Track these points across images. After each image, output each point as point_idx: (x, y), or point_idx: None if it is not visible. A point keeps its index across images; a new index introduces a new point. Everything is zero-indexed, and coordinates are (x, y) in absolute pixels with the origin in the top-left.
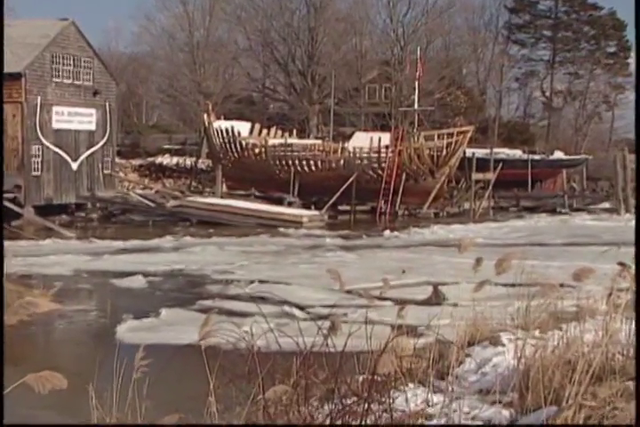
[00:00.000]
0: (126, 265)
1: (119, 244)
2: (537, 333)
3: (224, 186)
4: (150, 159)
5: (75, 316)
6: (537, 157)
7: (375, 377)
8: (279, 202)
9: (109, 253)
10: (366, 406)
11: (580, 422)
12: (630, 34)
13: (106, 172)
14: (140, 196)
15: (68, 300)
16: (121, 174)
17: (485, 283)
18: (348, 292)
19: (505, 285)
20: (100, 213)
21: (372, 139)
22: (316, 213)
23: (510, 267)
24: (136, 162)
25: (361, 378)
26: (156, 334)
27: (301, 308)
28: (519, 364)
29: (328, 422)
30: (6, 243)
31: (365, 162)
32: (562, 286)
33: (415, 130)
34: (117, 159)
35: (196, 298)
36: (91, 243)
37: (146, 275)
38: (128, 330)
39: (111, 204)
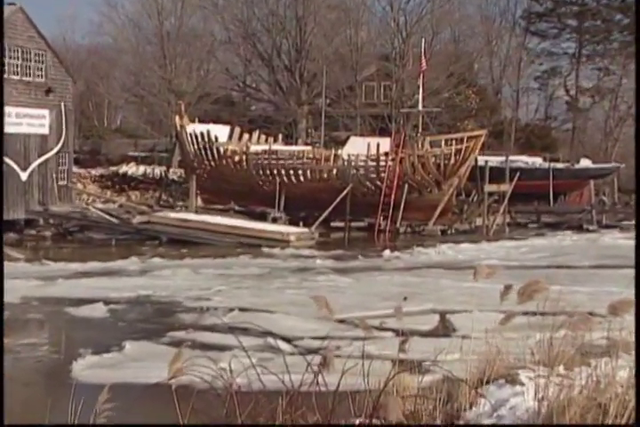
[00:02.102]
0: (84, 291)
1: (76, 266)
2: (562, 370)
3: (199, 199)
4: (113, 168)
5: (22, 351)
6: (560, 165)
7: (374, 421)
8: (262, 218)
9: (64, 278)
10: None
11: None
12: None
13: (61, 183)
14: (101, 210)
15: (14, 332)
16: (79, 186)
17: (513, 315)
18: (342, 321)
19: (524, 313)
20: (54, 230)
21: (369, 145)
22: (305, 230)
23: (536, 294)
24: (96, 171)
25: (357, 422)
26: (118, 371)
27: (288, 340)
28: (541, 406)
29: None
30: None
31: (362, 171)
32: (591, 314)
33: (419, 135)
34: (75, 168)
35: (165, 329)
36: (43, 265)
37: (107, 302)
38: (86, 367)
39: (67, 220)
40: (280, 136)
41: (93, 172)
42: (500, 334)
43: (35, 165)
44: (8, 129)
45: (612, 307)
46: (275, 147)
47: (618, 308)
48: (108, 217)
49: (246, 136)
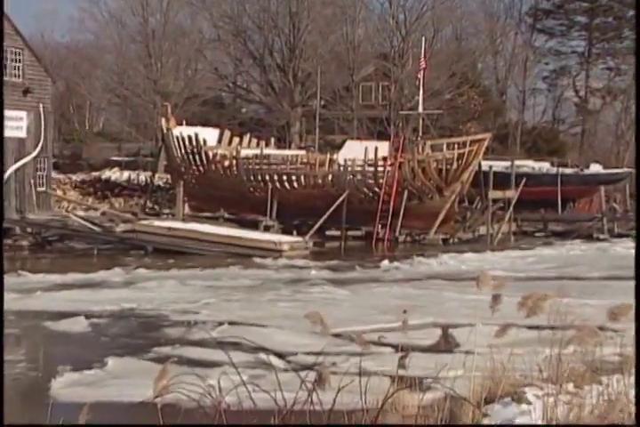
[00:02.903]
0: (64, 304)
1: (56, 278)
2: (571, 387)
3: (186, 207)
4: (95, 174)
5: None
6: (569, 170)
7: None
8: (254, 226)
9: (43, 290)
10: None
11: None
12: None
13: (40, 189)
14: (83, 219)
15: None
16: (59, 192)
17: (509, 327)
18: (338, 336)
19: (531, 327)
20: (33, 239)
21: (366, 149)
22: (299, 239)
23: (540, 307)
24: (77, 177)
25: None
26: (100, 389)
27: (281, 356)
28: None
29: None
30: None
31: (359, 177)
32: (601, 329)
33: (419, 138)
34: (54, 174)
35: (150, 344)
36: (20, 277)
37: (89, 316)
38: (65, 385)
39: (46, 228)
40: (272, 140)
41: (74, 177)
42: (505, 350)
43: (11, 170)
44: None
45: (612, 313)
46: (267, 151)
47: (618, 313)
48: (89, 225)
49: (236, 140)
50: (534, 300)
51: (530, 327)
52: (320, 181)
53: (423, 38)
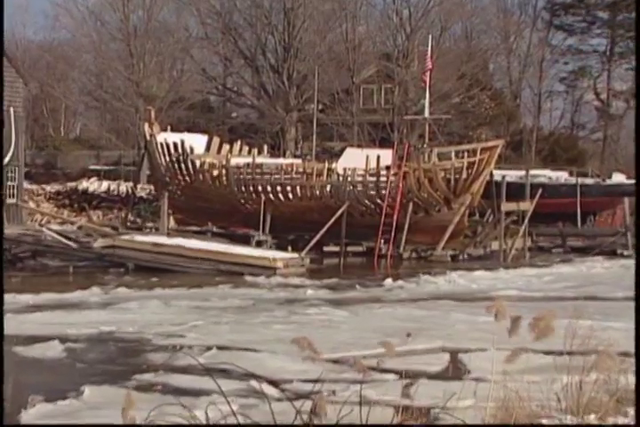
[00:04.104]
0: (37, 327)
1: (27, 298)
2: (593, 419)
3: (171, 220)
4: (71, 184)
5: None
6: (589, 180)
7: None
8: (245, 241)
9: (13, 312)
10: None
11: None
12: None
13: (10, 201)
14: (57, 233)
15: None
16: (31, 204)
17: (520, 351)
18: (337, 362)
19: (549, 353)
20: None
21: (367, 157)
22: (295, 255)
23: (551, 329)
24: (52, 188)
25: None
26: (76, 421)
27: (274, 383)
28: None
29: None
30: None
31: (360, 188)
32: (626, 355)
33: (425, 145)
34: (26, 184)
35: (131, 371)
36: None
37: (64, 340)
38: (37, 417)
39: (17, 244)
40: (265, 147)
41: (48, 188)
42: (520, 377)
43: None
44: None
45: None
46: (259, 160)
47: None
48: (64, 241)
49: (226, 147)
50: (544, 321)
51: (547, 353)
52: (317, 192)
53: (430, 36)
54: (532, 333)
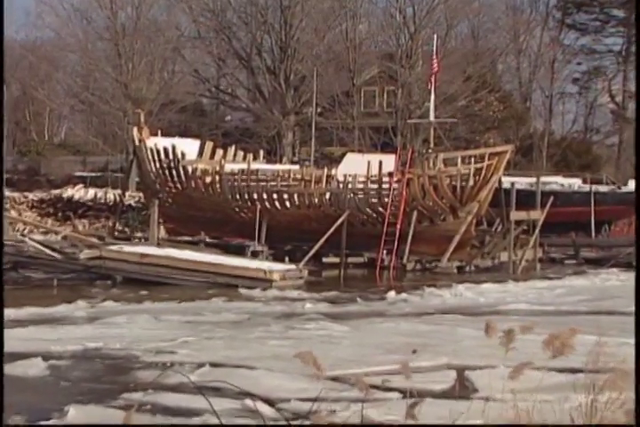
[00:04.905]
0: (19, 344)
1: (8, 313)
2: None
3: (162, 229)
4: (55, 192)
5: None
6: (604, 188)
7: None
8: (240, 252)
9: None
10: None
11: None
12: None
13: None
14: (41, 244)
15: None
16: (12, 213)
17: (525, 366)
18: (337, 379)
19: (562, 370)
20: None
21: (369, 163)
22: (292, 267)
23: (569, 347)
24: (35, 195)
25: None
26: None
27: (270, 402)
28: None
29: None
30: None
31: (361, 195)
32: None
33: (430, 151)
34: (7, 191)
35: (119, 390)
36: None
37: (47, 357)
38: None
39: None
40: (261, 153)
41: (31, 196)
42: (530, 396)
43: None
44: None
45: None
46: (254, 166)
47: None
48: (48, 252)
49: (220, 153)
50: (563, 338)
51: (560, 370)
52: (316, 200)
53: (435, 36)
54: (548, 350)
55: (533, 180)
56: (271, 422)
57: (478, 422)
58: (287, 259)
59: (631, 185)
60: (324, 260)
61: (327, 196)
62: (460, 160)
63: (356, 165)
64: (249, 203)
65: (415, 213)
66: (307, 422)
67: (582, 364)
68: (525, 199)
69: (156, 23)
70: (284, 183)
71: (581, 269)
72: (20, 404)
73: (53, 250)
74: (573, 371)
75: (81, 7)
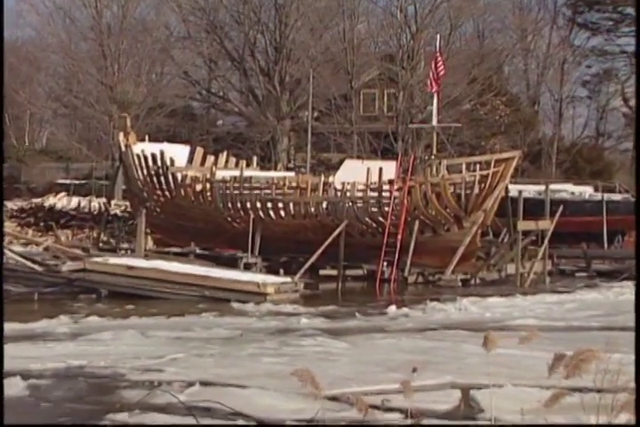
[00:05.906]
0: None
1: None
2: None
3: (149, 240)
4: (36, 200)
5: None
6: (617, 196)
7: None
8: (232, 264)
9: None
10: None
11: None
12: None
13: None
14: (21, 255)
15: None
16: None
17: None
18: (335, 399)
19: (574, 389)
20: None
21: (368, 170)
22: (287, 280)
23: (587, 366)
24: (14, 204)
25: None
26: None
27: (264, 423)
28: None
29: None
30: None
31: (360, 204)
32: None
33: (433, 157)
34: None
35: (104, 410)
36: None
37: (26, 376)
38: None
39: None
40: (254, 159)
41: (10, 205)
42: (540, 417)
43: None
44: None
45: None
46: (247, 173)
47: None
48: (29, 264)
49: (211, 159)
50: (577, 358)
51: (571, 389)
52: (312, 209)
53: (438, 36)
54: (561, 369)
55: (542, 188)
56: None
57: None
58: (282, 271)
59: None
60: (321, 272)
61: (324, 205)
62: (464, 167)
63: (354, 173)
64: (242, 212)
65: (417, 222)
66: None
67: (593, 382)
68: (534, 208)
69: (143, 22)
70: (279, 191)
71: (593, 283)
72: None
73: (34, 262)
74: (584, 390)
75: (64, 5)
